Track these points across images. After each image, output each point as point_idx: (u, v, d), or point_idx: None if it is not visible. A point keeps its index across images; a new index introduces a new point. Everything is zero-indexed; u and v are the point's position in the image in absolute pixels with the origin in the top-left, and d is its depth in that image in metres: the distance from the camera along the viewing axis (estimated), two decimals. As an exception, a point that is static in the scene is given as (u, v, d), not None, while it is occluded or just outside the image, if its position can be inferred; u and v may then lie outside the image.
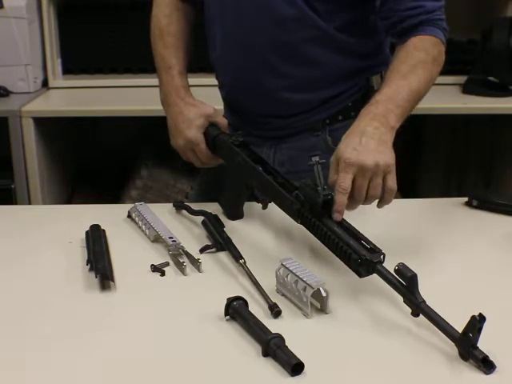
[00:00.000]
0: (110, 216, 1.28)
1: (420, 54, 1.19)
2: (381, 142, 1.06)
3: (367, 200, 1.04)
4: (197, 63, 1.51)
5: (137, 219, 1.25)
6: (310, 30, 1.28)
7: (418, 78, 1.16)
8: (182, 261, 1.09)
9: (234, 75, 1.39)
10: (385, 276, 0.94)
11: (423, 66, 1.18)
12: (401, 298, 0.92)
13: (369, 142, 1.05)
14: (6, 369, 0.85)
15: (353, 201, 1.04)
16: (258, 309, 0.96)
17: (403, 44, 1.22)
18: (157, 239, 1.19)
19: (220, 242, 1.15)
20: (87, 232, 1.19)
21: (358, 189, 1.03)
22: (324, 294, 0.95)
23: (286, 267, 0.98)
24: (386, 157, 1.04)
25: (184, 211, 1.30)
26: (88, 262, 1.09)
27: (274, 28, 1.28)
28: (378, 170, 1.02)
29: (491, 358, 0.82)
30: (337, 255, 1.00)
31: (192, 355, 0.87)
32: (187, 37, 1.42)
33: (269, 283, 1.01)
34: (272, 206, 1.17)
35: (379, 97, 1.13)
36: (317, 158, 1.03)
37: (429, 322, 0.88)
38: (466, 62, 2.41)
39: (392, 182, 1.04)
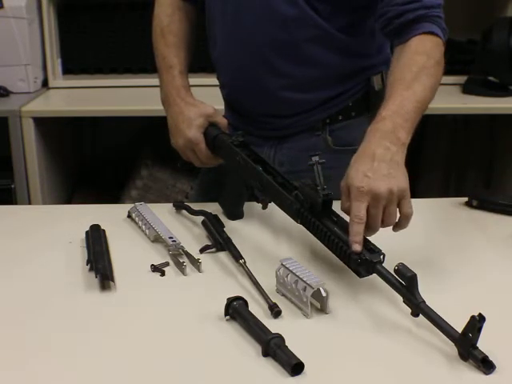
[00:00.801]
0: (109, 216, 1.28)
1: (422, 58, 1.14)
2: (392, 163, 1.01)
3: (382, 226, 1.00)
4: (198, 63, 1.51)
5: (137, 219, 1.25)
6: (311, 30, 1.28)
7: (422, 86, 1.10)
8: (182, 261, 1.09)
9: (234, 75, 1.39)
10: (384, 276, 0.94)
11: (427, 71, 1.12)
12: (401, 298, 0.92)
13: (380, 165, 1.00)
14: (6, 369, 0.85)
15: (368, 229, 0.99)
16: (257, 309, 0.96)
17: (403, 45, 1.18)
18: (157, 239, 1.18)
19: (220, 242, 1.15)
20: (87, 232, 1.19)
21: (373, 218, 0.98)
22: (324, 294, 0.95)
23: (286, 267, 0.98)
24: (399, 181, 0.99)
25: (184, 211, 1.30)
26: (88, 262, 1.09)
27: (275, 28, 1.28)
28: (392, 197, 0.98)
29: (491, 358, 0.82)
30: (336, 255, 1.00)
31: (192, 355, 0.87)
32: (189, 36, 1.42)
33: (269, 283, 1.01)
34: (272, 205, 1.17)
35: (385, 112, 1.06)
36: (317, 158, 1.03)
37: (429, 322, 0.88)
38: (466, 62, 2.41)
39: (408, 207, 1.00)
